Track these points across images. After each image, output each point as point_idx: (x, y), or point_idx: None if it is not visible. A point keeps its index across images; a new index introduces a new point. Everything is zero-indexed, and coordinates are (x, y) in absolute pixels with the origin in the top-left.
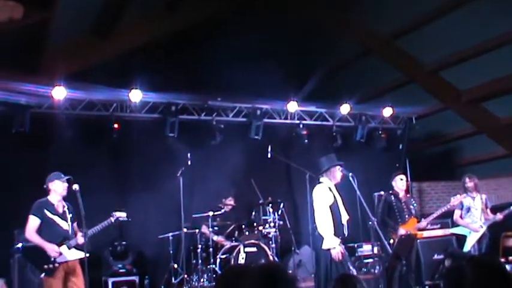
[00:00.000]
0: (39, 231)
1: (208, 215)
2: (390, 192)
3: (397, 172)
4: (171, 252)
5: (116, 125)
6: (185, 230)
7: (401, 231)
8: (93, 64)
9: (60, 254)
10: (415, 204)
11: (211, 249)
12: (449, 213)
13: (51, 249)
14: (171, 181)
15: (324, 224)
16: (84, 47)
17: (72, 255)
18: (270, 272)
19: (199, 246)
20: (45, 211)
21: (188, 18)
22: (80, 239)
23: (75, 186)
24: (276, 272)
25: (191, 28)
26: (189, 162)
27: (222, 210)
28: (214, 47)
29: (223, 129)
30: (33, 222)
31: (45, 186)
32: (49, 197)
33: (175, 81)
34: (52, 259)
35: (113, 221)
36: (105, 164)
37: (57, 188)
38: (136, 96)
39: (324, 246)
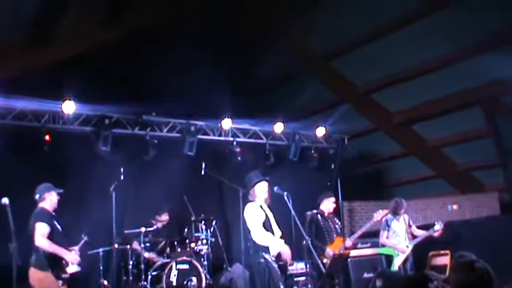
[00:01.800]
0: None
1: (141, 231)
2: (316, 211)
3: (327, 193)
4: (101, 268)
5: (47, 137)
6: (116, 245)
7: (329, 251)
8: (25, 73)
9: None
10: (338, 223)
11: (142, 265)
12: (378, 233)
13: (72, 256)
14: (103, 196)
15: (262, 235)
16: (17, 54)
17: (73, 268)
18: None
19: (131, 262)
20: (52, 219)
21: (125, 30)
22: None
23: (5, 200)
24: None
25: (128, 40)
26: (122, 177)
27: (155, 227)
28: (150, 61)
29: (157, 144)
30: (44, 229)
31: (38, 196)
32: (47, 207)
33: (110, 94)
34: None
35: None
36: (35, 176)
37: (53, 199)
38: (69, 107)
39: (272, 252)
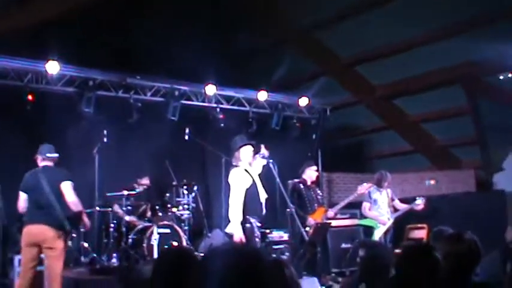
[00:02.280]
0: None
1: (122, 194)
2: (298, 180)
3: (309, 162)
4: (81, 230)
5: (30, 97)
6: (98, 208)
7: (311, 220)
8: (8, 31)
9: None
10: (320, 193)
11: (123, 228)
12: (358, 205)
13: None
14: (86, 158)
15: (234, 209)
16: (1, 12)
17: None
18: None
19: (112, 225)
20: None
21: None
22: None
23: None
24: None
25: (114, 3)
26: (105, 140)
27: (137, 190)
28: (137, 24)
29: (141, 107)
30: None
31: (53, 156)
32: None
33: (94, 55)
34: None
35: None
36: (18, 136)
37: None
38: (53, 68)
39: (227, 230)
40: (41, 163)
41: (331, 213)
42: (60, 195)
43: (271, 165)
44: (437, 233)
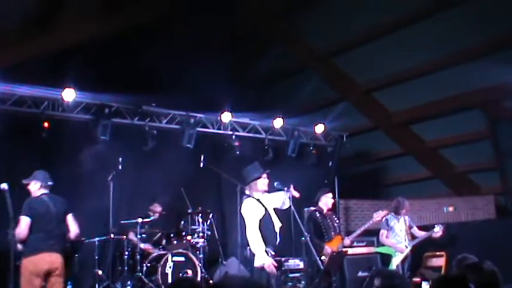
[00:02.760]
0: None
1: (137, 222)
2: (314, 208)
3: (324, 190)
4: (96, 257)
5: (46, 124)
6: (112, 235)
7: (327, 249)
8: (25, 59)
9: None
10: (337, 221)
11: (138, 256)
12: (375, 232)
13: None
14: (101, 185)
15: (254, 241)
16: (17, 40)
17: None
18: None
19: (126, 253)
20: None
21: (128, 19)
22: None
23: (4, 186)
24: None
25: (130, 30)
26: (120, 167)
27: (151, 218)
28: (152, 51)
29: (156, 135)
30: None
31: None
32: None
33: (111, 83)
34: None
35: None
36: (33, 163)
37: None
38: (69, 95)
39: (256, 264)
40: (41, 190)
41: (347, 241)
42: (63, 224)
43: (285, 194)
44: (461, 260)
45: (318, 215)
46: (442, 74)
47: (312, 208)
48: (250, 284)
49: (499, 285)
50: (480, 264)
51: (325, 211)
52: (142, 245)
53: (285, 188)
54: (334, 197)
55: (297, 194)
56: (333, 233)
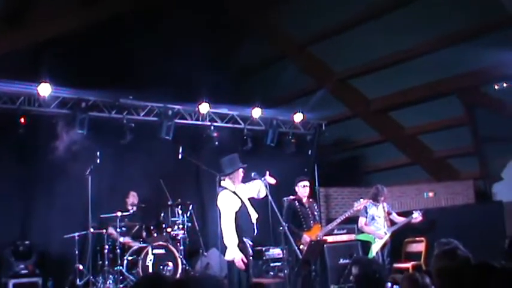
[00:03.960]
0: None
1: (117, 216)
2: (293, 197)
3: (300, 178)
4: (76, 252)
5: (22, 120)
6: (92, 230)
7: (306, 237)
8: (1, 54)
9: None
10: (317, 210)
11: (118, 250)
12: (355, 219)
13: None
14: (79, 179)
15: (228, 234)
16: None
17: None
18: None
19: (106, 247)
20: None
21: (103, 11)
22: None
23: None
24: None
25: (105, 24)
26: (98, 161)
27: (131, 211)
28: (128, 44)
29: (134, 128)
30: None
31: None
32: None
33: (87, 77)
34: None
35: None
36: (10, 159)
37: None
38: (45, 90)
39: (227, 257)
40: None
41: (327, 229)
42: None
43: (263, 183)
44: (442, 246)
45: (297, 204)
46: (419, 61)
47: (291, 197)
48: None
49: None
50: (453, 251)
51: (304, 200)
52: (122, 239)
53: (262, 178)
54: (311, 186)
55: (273, 181)
56: (312, 222)
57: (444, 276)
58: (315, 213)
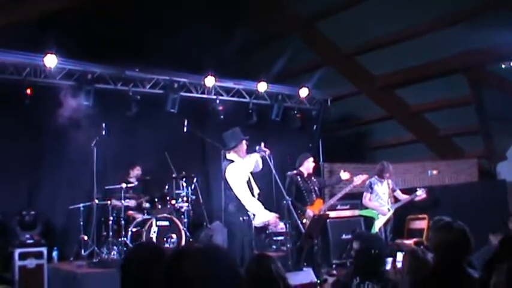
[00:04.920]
0: None
1: (121, 187)
2: (295, 172)
3: (306, 154)
4: (81, 223)
5: (28, 91)
6: (96, 201)
7: (309, 212)
8: (7, 25)
9: None
10: (317, 185)
11: (122, 221)
12: (358, 195)
13: None
14: (85, 151)
15: (250, 202)
16: None
17: None
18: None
19: (111, 218)
20: None
21: None
22: None
23: None
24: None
25: None
26: (104, 133)
27: (135, 183)
28: (135, 16)
29: (140, 100)
30: None
31: None
32: None
33: (93, 48)
34: None
35: None
36: (16, 130)
37: None
38: (51, 61)
39: (258, 222)
40: None
41: (329, 203)
42: None
43: (267, 158)
44: (437, 222)
45: (299, 178)
46: (426, 38)
47: (294, 172)
48: (212, 249)
49: (470, 243)
50: (449, 224)
51: (305, 175)
52: (128, 210)
53: (256, 148)
54: (316, 161)
55: (267, 151)
56: (314, 196)
57: (442, 249)
58: (316, 187)
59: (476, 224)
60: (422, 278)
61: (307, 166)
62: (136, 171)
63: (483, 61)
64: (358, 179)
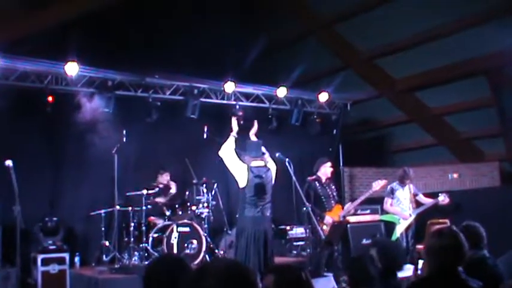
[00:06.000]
0: None
1: (142, 194)
2: (313, 178)
3: (323, 159)
4: (102, 229)
5: (50, 98)
6: (118, 207)
7: (328, 218)
8: (29, 34)
9: None
10: (335, 190)
11: (144, 227)
12: (379, 200)
13: None
14: (106, 157)
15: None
16: (20, 15)
17: None
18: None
19: (132, 224)
20: None
21: None
22: None
23: (8, 162)
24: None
25: (131, 2)
26: (125, 139)
27: (156, 190)
28: (154, 24)
29: (160, 106)
30: None
31: None
32: None
33: (113, 56)
34: None
35: None
36: (38, 137)
37: None
38: (72, 69)
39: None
40: None
41: (348, 209)
42: None
43: (287, 164)
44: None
45: (317, 184)
46: (445, 41)
47: (312, 177)
48: (234, 267)
49: (463, 248)
50: (442, 229)
51: (323, 180)
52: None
53: (286, 159)
54: (333, 166)
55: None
56: (332, 202)
57: (433, 254)
58: (334, 193)
59: (497, 229)
60: (414, 283)
61: (325, 171)
62: (166, 177)
63: (505, 63)
64: (377, 185)
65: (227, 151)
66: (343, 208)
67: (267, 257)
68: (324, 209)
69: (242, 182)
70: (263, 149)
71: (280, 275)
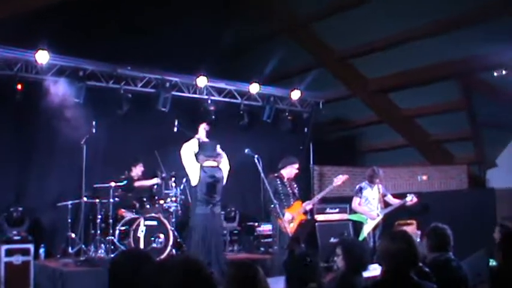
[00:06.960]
0: None
1: (110, 186)
2: (276, 175)
3: (292, 160)
4: (69, 221)
5: (19, 86)
6: (85, 199)
7: (288, 215)
8: None
9: None
10: (296, 188)
11: (110, 220)
12: (348, 199)
13: None
14: (74, 148)
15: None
16: None
17: None
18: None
19: (99, 216)
20: None
21: None
22: None
23: None
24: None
25: None
26: (94, 130)
27: (124, 182)
28: (128, 15)
29: (131, 98)
30: None
31: None
32: None
33: (86, 46)
34: None
35: None
36: (5, 125)
37: None
38: (42, 57)
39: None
40: None
41: (308, 205)
42: None
43: (256, 161)
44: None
45: (278, 182)
46: (419, 43)
47: (274, 175)
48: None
49: (415, 253)
50: (395, 234)
51: (285, 178)
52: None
53: (255, 155)
54: (300, 167)
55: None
56: (292, 199)
57: (385, 258)
58: (295, 191)
59: (463, 231)
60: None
61: (290, 171)
62: (140, 168)
63: (476, 68)
64: (339, 180)
65: (186, 151)
66: (302, 205)
67: (218, 251)
68: (283, 206)
69: (194, 180)
70: (219, 149)
71: (236, 270)
